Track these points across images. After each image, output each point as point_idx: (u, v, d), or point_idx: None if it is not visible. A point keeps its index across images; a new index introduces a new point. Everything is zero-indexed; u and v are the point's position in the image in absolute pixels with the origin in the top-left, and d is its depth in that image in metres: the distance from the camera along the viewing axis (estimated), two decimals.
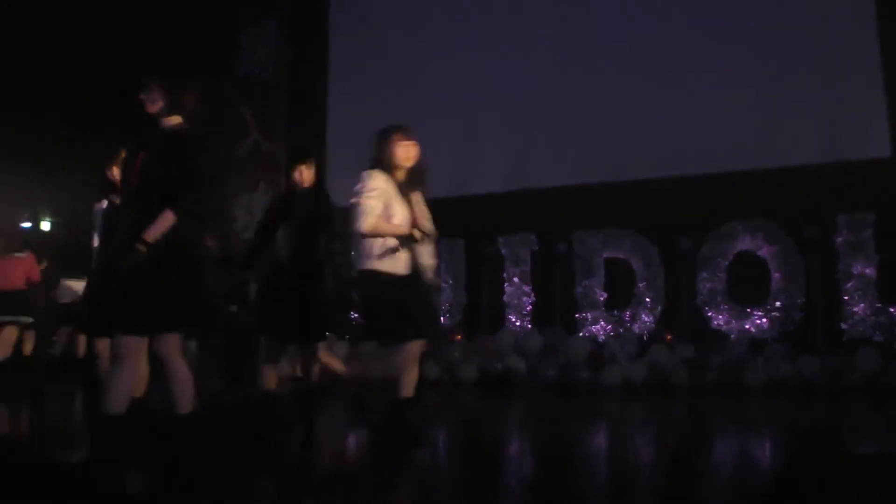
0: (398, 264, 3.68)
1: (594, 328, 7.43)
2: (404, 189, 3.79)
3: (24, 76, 8.54)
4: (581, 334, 7.38)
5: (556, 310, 7.68)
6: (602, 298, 7.50)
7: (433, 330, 4.13)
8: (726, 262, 7.16)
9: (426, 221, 3.84)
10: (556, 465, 3.45)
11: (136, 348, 3.14)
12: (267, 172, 9.67)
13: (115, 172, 4.34)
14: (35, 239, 10.43)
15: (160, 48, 8.09)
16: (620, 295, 7.45)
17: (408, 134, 3.82)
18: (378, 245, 3.69)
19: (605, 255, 7.54)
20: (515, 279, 7.81)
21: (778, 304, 6.91)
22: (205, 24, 9.73)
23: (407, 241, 3.69)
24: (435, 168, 7.50)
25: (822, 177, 6.77)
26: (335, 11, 9.52)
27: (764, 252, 7.04)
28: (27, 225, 12.71)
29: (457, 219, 7.09)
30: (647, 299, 7.32)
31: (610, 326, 7.40)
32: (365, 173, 3.73)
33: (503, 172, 8.10)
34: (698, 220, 7.26)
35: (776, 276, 6.96)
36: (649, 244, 7.40)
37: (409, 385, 3.70)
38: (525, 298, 7.78)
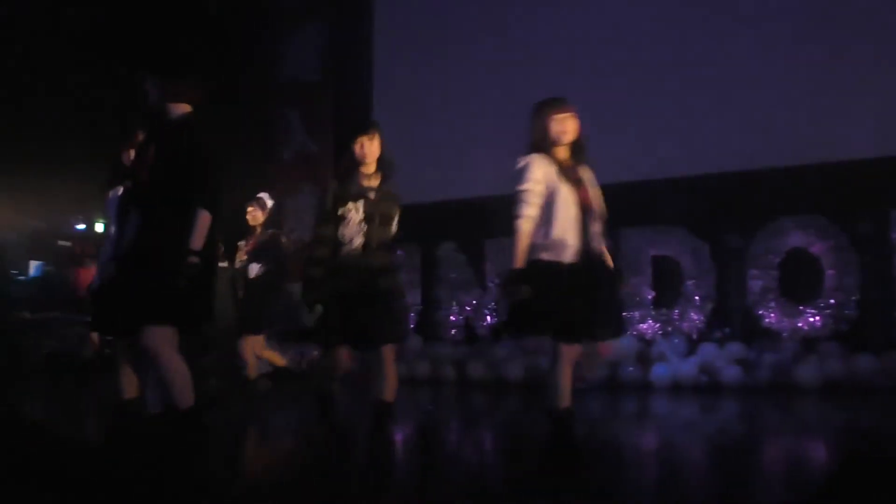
0: (567, 253, 3.33)
1: (642, 327, 7.35)
2: (569, 168, 3.48)
3: (66, 80, 8.70)
4: (629, 333, 7.31)
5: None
6: (650, 297, 7.41)
7: (610, 330, 3.48)
8: (778, 259, 7.02)
9: (598, 202, 3.59)
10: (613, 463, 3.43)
11: (174, 340, 3.18)
12: (313, 175, 9.74)
13: (132, 156, 4.23)
14: (93, 241, 10.66)
15: (207, 52, 8.18)
16: (668, 293, 7.36)
17: (561, 107, 3.48)
18: (541, 234, 3.36)
19: (652, 252, 7.45)
20: None
21: (832, 301, 6.77)
22: (250, 26, 9.86)
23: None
24: (483, 167, 7.53)
25: (875, 171, 6.59)
26: (379, 13, 9.55)
27: (816, 248, 6.89)
28: (81, 227, 12.98)
29: (507, 217, 7.04)
30: (696, 297, 7.23)
31: (658, 325, 7.31)
32: (523, 159, 3.44)
33: None
34: (748, 216, 7.15)
35: (829, 273, 6.81)
36: (698, 241, 7.30)
37: (566, 393, 3.19)
38: None
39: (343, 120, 9.61)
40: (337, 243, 3.82)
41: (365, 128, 4.01)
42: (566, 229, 3.41)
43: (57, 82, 8.72)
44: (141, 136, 4.03)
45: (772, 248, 7.05)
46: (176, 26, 8.56)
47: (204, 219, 3.20)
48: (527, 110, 3.57)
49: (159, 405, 3.47)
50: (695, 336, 7.12)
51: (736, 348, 6.72)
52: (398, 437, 4.33)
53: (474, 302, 8.20)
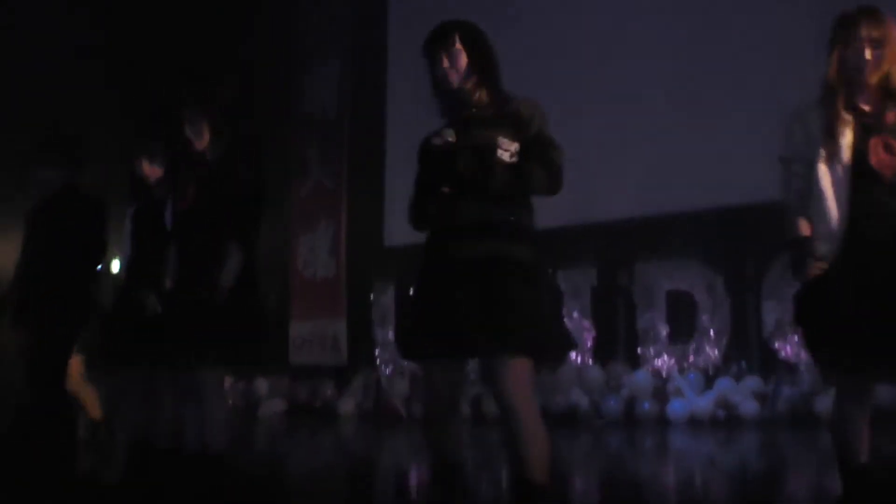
0: None
1: (658, 362, 7.32)
2: None
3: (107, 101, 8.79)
4: (645, 369, 7.29)
5: (618, 344, 7.60)
6: (665, 332, 7.39)
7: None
8: (792, 291, 6.98)
9: None
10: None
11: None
12: (328, 211, 9.81)
13: (146, 168, 4.26)
14: None
15: (223, 90, 8.30)
16: (684, 328, 7.34)
17: None
18: None
19: (667, 287, 7.45)
20: (575, 314, 7.76)
21: None
22: (267, 63, 9.99)
23: None
24: None
25: None
26: (393, 50, 9.68)
27: None
28: None
29: None
30: (711, 331, 7.20)
31: (674, 360, 7.28)
32: None
33: (563, 206, 8.06)
34: (763, 248, 7.15)
35: None
36: (713, 274, 7.29)
37: None
38: (585, 333, 7.72)
39: (357, 156, 9.71)
40: None
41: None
42: None
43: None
44: (158, 154, 4.16)
45: (786, 279, 7.02)
46: (199, 69, 8.69)
47: (237, 258, 3.27)
48: None
49: (196, 444, 3.44)
50: (711, 371, 7.08)
51: (753, 382, 6.68)
52: None
53: None
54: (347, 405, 8.40)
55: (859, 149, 2.84)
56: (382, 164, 9.42)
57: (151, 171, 4.35)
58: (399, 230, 8.90)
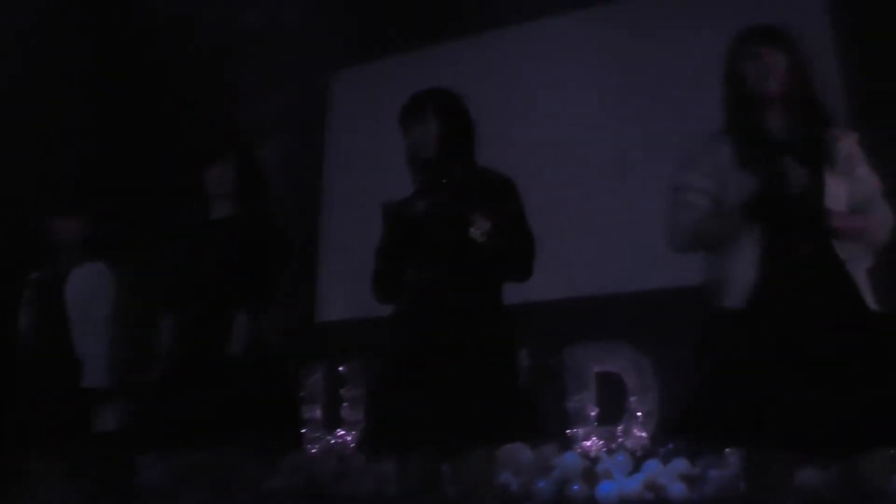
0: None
1: (587, 444, 7.34)
2: None
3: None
4: (574, 450, 7.29)
5: (547, 425, 7.59)
6: (594, 414, 7.44)
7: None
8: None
9: None
10: None
11: None
12: None
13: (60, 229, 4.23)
14: None
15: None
16: (613, 409, 7.39)
17: None
18: None
19: (596, 368, 7.52)
20: None
21: None
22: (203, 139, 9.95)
23: None
24: None
25: None
26: (331, 131, 9.79)
27: None
28: None
29: None
30: (639, 414, 7.27)
31: (602, 442, 7.31)
32: None
33: None
34: (691, 331, 7.26)
35: None
36: (641, 357, 7.39)
37: None
38: None
39: (292, 232, 9.67)
40: None
41: None
42: None
43: None
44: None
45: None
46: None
47: (242, 324, 3.21)
48: None
49: None
50: (639, 452, 7.12)
51: (680, 464, 6.73)
52: None
53: None
54: (275, 485, 8.17)
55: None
56: (317, 241, 9.42)
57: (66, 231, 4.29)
58: (333, 306, 8.86)
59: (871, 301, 2.55)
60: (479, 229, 2.74)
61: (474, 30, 8.86)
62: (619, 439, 7.26)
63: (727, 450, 6.79)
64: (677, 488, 6.52)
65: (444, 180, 2.93)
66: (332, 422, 8.39)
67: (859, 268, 2.58)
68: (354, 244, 7.92)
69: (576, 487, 6.76)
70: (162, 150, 8.70)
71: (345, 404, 8.25)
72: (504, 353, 2.78)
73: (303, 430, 8.66)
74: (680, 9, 7.95)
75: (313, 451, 8.32)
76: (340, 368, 8.25)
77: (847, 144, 2.64)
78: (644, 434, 7.23)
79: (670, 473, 6.66)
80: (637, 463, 6.94)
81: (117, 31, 8.91)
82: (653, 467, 6.75)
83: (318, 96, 9.99)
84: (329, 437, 8.31)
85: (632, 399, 7.33)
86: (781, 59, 2.63)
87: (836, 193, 2.52)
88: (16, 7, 8.04)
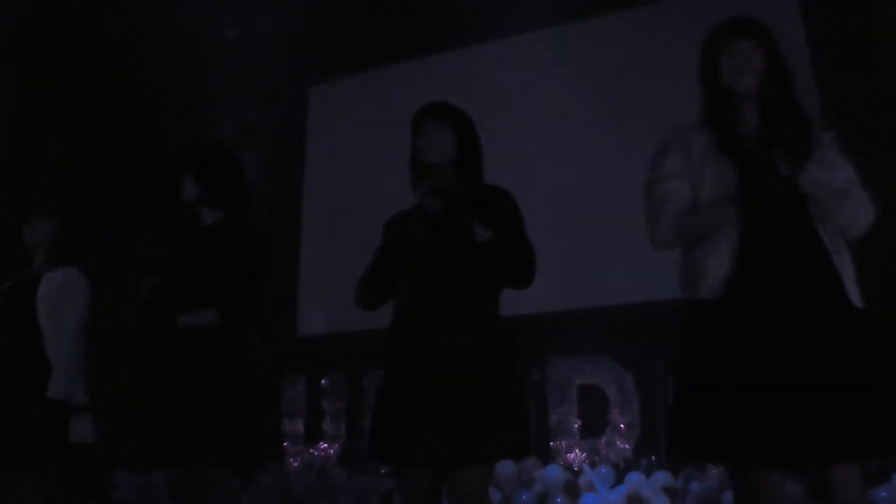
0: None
1: (569, 456, 7.33)
2: None
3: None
4: (557, 463, 7.28)
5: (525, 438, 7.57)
6: (576, 426, 7.43)
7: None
8: None
9: None
10: None
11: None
12: None
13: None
14: None
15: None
16: (595, 422, 7.39)
17: None
18: None
19: (578, 381, 7.52)
20: None
21: None
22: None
23: None
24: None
25: None
26: (312, 145, 9.76)
27: None
28: None
29: None
30: (622, 426, 7.27)
31: (585, 454, 7.30)
32: None
33: None
34: (671, 344, 7.28)
35: None
36: (622, 370, 7.40)
37: None
38: None
39: (273, 245, 9.63)
40: None
41: None
42: None
43: None
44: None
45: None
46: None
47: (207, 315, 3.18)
48: None
49: None
50: (622, 465, 7.12)
51: (662, 476, 6.73)
52: None
53: None
54: (253, 500, 8.10)
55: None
56: (298, 255, 9.39)
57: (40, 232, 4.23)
58: (313, 321, 8.82)
59: (855, 295, 2.44)
60: (479, 233, 2.73)
61: (457, 44, 8.89)
62: (602, 452, 7.26)
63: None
64: (660, 500, 6.51)
65: (450, 187, 2.92)
66: (313, 435, 8.32)
67: (845, 260, 2.50)
68: (334, 257, 7.92)
69: (559, 500, 6.73)
70: (141, 158, 8.67)
71: (326, 417, 8.20)
72: (503, 366, 2.76)
73: (284, 444, 8.68)
74: (664, 20, 8.00)
75: (294, 464, 8.25)
76: (322, 382, 8.20)
77: (823, 135, 2.60)
78: (626, 446, 7.23)
79: (652, 486, 6.65)
80: (619, 475, 6.93)
81: (98, 37, 8.86)
82: (635, 479, 6.74)
83: (298, 108, 9.98)
84: (310, 450, 8.24)
85: (614, 411, 7.33)
86: (759, 55, 2.57)
87: (818, 180, 2.45)
88: None
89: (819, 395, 2.25)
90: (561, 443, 7.40)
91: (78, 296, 4.08)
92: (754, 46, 2.58)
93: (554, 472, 6.98)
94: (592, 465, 7.14)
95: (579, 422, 7.45)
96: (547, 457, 7.35)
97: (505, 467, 7.24)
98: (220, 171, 3.63)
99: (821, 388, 2.26)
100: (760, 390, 2.28)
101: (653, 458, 7.10)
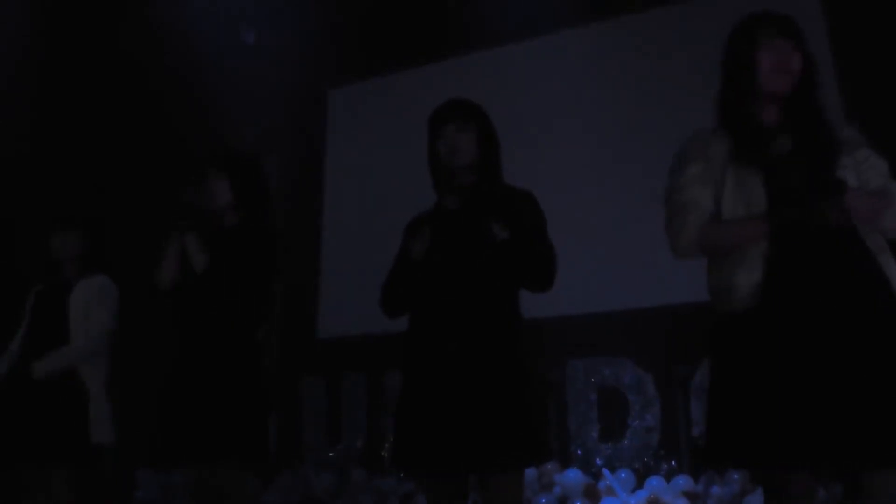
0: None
1: (589, 460, 7.30)
2: None
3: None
4: (576, 466, 7.25)
5: (549, 442, 7.56)
6: (596, 429, 7.40)
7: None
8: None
9: None
10: None
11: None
12: None
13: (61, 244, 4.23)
14: None
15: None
16: (616, 426, 7.36)
17: None
18: None
19: (598, 384, 7.49)
20: None
21: None
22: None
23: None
24: None
25: None
26: (331, 149, 9.78)
27: None
28: None
29: None
30: (642, 430, 7.23)
31: (605, 459, 7.27)
32: None
33: None
34: (692, 347, 7.25)
35: None
36: (643, 373, 7.36)
37: None
38: None
39: (293, 248, 9.68)
40: None
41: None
42: None
43: None
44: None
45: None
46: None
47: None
48: None
49: None
50: (642, 469, 7.08)
51: (683, 481, 6.68)
52: None
53: None
54: (273, 500, 8.13)
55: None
56: (318, 257, 9.41)
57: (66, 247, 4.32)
58: (333, 323, 8.83)
59: None
60: (497, 232, 2.71)
61: (475, 47, 8.89)
62: (622, 456, 7.22)
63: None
64: None
65: (473, 188, 2.90)
66: (333, 436, 8.34)
67: (889, 260, 2.36)
68: (354, 259, 7.93)
69: None
70: (162, 164, 8.72)
71: (346, 418, 8.22)
72: (523, 369, 2.73)
73: (304, 445, 8.70)
74: (678, 22, 7.97)
75: (314, 465, 8.27)
76: (342, 383, 8.22)
77: (849, 133, 2.48)
78: (647, 450, 7.19)
79: (673, 490, 6.61)
80: (640, 479, 6.90)
81: (117, 43, 8.93)
82: (655, 484, 6.70)
83: (317, 111, 10.01)
84: (330, 452, 8.26)
85: (634, 415, 7.29)
86: (798, 56, 2.45)
87: (853, 194, 2.31)
88: (10, 17, 8.08)
89: (859, 400, 2.18)
90: (581, 446, 7.37)
91: (112, 303, 4.23)
92: (794, 46, 2.45)
93: (574, 476, 6.95)
94: (612, 469, 7.11)
95: (599, 425, 7.42)
96: (567, 460, 7.33)
97: (524, 471, 7.21)
98: (252, 175, 3.69)
99: (860, 392, 2.19)
100: (801, 396, 2.21)
101: (673, 462, 7.06)
